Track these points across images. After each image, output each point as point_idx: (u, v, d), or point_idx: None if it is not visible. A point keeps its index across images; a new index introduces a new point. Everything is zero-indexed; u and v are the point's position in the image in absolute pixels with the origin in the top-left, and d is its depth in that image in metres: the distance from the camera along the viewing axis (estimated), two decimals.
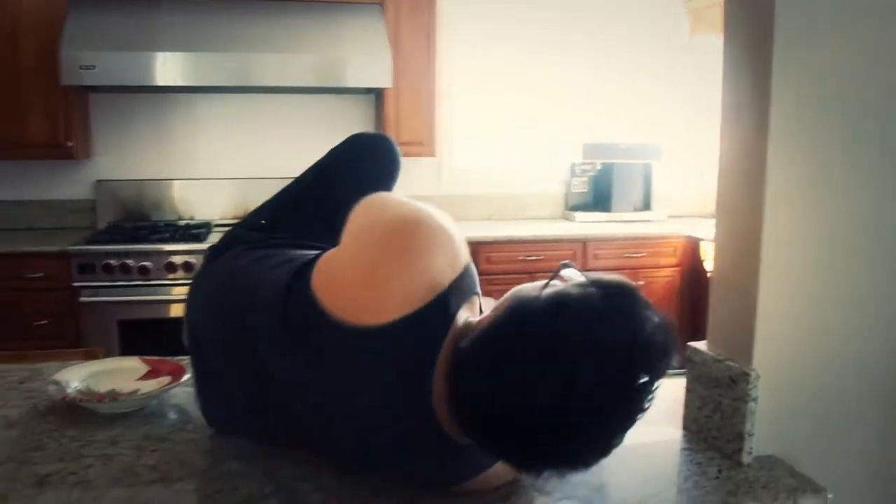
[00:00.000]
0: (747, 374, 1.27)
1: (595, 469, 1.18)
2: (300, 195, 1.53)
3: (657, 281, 4.34)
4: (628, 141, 4.70)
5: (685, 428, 1.43)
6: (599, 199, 4.82)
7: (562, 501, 1.17)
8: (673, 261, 4.37)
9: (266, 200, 1.56)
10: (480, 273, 4.07)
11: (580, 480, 1.22)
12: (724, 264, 1.39)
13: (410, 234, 1.06)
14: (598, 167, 4.80)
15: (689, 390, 1.42)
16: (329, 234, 1.25)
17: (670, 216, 4.80)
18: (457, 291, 1.05)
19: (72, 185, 4.34)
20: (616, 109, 4.87)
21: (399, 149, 1.58)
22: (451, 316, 1.03)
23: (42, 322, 3.68)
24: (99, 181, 4.30)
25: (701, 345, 1.41)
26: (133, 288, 3.68)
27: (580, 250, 4.23)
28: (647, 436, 1.39)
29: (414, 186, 4.67)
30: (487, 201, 4.81)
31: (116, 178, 4.32)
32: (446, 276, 1.04)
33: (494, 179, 4.81)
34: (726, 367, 1.32)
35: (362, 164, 1.55)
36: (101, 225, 4.25)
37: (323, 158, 1.55)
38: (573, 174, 4.83)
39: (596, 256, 4.24)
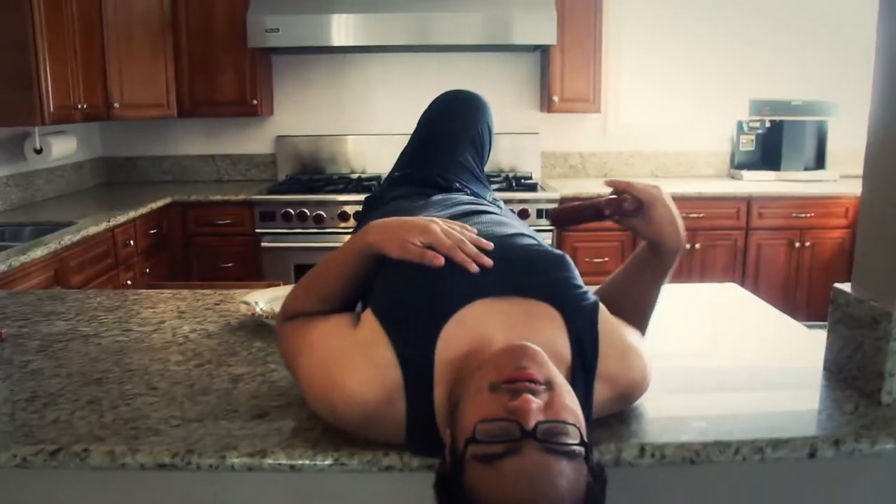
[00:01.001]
0: (889, 314, 1.29)
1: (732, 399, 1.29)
2: (412, 146, 1.90)
3: (825, 242, 4.18)
4: (800, 97, 4.50)
5: (826, 370, 1.46)
6: (768, 157, 4.66)
7: (694, 422, 1.25)
8: (843, 222, 4.18)
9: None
10: None
11: (717, 407, 1.30)
12: (871, 207, 1.39)
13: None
14: (767, 124, 4.64)
15: (831, 331, 1.44)
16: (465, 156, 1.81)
17: (843, 176, 4.57)
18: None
19: (255, 140, 4.71)
20: (787, 64, 4.67)
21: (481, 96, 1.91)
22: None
23: (228, 265, 4.07)
24: (279, 137, 4.64)
25: (845, 286, 1.43)
26: (309, 235, 3.99)
27: (744, 209, 4.13)
28: (787, 376, 1.44)
29: (579, 142, 4.75)
30: (651, 158, 4.77)
31: (295, 133, 4.65)
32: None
33: (659, 136, 4.76)
34: (869, 307, 1.33)
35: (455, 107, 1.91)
36: (281, 177, 4.61)
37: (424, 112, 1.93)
38: (740, 131, 4.69)
39: (761, 216, 4.13)
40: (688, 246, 4.12)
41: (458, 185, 1.75)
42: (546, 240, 3.91)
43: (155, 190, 4.29)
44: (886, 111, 1.34)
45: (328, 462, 1.14)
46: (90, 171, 4.56)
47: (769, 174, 4.55)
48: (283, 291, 1.88)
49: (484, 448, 0.91)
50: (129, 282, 3.51)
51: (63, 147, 3.91)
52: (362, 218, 1.77)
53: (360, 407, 1.10)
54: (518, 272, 1.19)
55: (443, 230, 1.19)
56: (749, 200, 4.14)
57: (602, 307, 1.20)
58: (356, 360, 1.11)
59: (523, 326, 1.13)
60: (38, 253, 2.77)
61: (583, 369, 1.14)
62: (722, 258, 4.18)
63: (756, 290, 3.61)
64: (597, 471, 0.95)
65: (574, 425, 0.93)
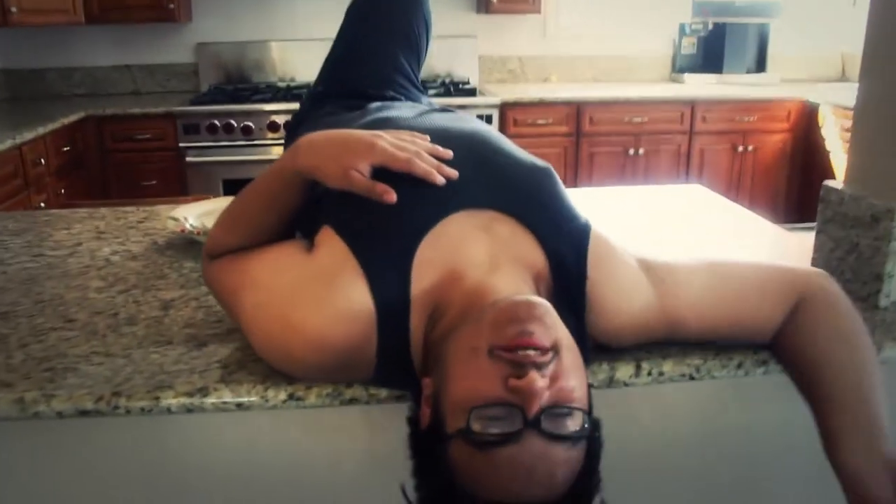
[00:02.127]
0: (892, 212, 1.18)
1: None
2: (337, 52, 1.64)
3: (766, 146, 4.12)
4: None
5: None
6: (710, 60, 4.55)
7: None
8: (785, 126, 4.12)
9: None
10: (583, 134, 3.94)
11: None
12: (870, 100, 1.27)
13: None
14: (710, 27, 4.51)
15: (820, 232, 1.34)
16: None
17: (785, 80, 4.51)
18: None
19: (174, 48, 4.35)
20: None
21: None
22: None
23: (151, 182, 3.78)
24: (200, 44, 4.30)
25: (836, 184, 1.32)
26: (237, 148, 3.73)
27: (688, 113, 4.03)
28: None
29: (518, 46, 4.55)
30: (592, 62, 4.61)
31: (217, 40, 4.31)
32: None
33: (600, 39, 4.58)
34: (868, 204, 1.22)
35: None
36: (204, 88, 4.29)
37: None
38: (682, 34, 4.55)
39: (704, 119, 4.04)
40: (631, 151, 4.02)
41: (391, 94, 1.54)
42: None
43: (66, 104, 3.92)
44: (884, 7, 1.22)
45: (282, 397, 0.98)
46: None
47: (711, 77, 4.45)
48: (214, 205, 1.68)
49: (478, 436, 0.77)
50: (42, 204, 3.22)
51: None
52: (285, 145, 1.56)
53: (325, 353, 0.93)
54: (497, 182, 1.02)
55: (392, 144, 0.98)
56: (693, 104, 4.04)
57: (595, 231, 1.03)
58: (319, 295, 0.94)
59: (501, 250, 0.98)
60: None
61: (571, 309, 0.98)
62: (666, 162, 4.09)
63: None
64: (594, 445, 0.83)
65: (579, 409, 0.80)
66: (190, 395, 0.98)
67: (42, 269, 1.43)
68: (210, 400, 0.98)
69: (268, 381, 0.99)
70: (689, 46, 4.59)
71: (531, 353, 0.79)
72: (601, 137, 4.02)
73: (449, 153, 1.02)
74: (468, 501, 0.79)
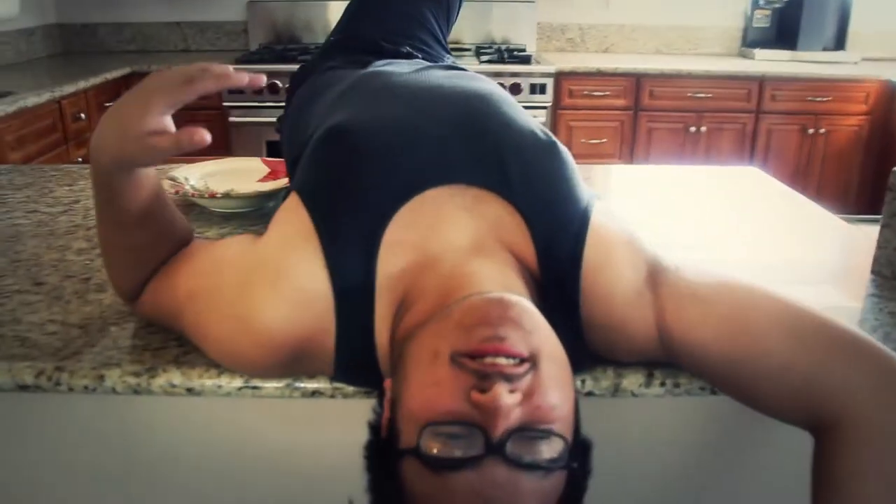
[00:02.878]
0: None
1: None
2: (353, 5, 1.52)
3: (841, 130, 3.85)
4: None
5: (875, 272, 1.19)
6: (784, 35, 4.27)
7: None
8: (862, 108, 3.84)
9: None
10: (641, 108, 3.73)
11: None
12: None
13: None
14: None
15: (885, 225, 1.17)
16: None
17: (866, 59, 4.21)
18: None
19: (225, 6, 4.28)
20: None
21: None
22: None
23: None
24: (251, 2, 4.22)
25: None
26: (282, 109, 3.64)
27: (755, 90, 3.78)
28: (830, 282, 1.18)
29: (579, 14, 4.35)
30: (656, 33, 4.37)
31: None
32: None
33: (665, 9, 4.35)
34: None
35: None
36: (254, 47, 4.21)
37: None
38: (755, 5, 4.28)
39: (773, 98, 3.79)
40: (692, 128, 3.80)
41: (407, 50, 1.38)
42: (539, 116, 3.62)
43: (116, 60, 3.89)
44: None
45: (236, 385, 0.87)
46: (42, 40, 4.15)
47: (784, 53, 4.17)
48: (221, 166, 1.58)
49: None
50: (79, 159, 3.18)
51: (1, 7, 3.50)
52: (288, 100, 1.44)
53: (278, 350, 0.81)
54: (488, 154, 0.87)
55: (163, 75, 0.77)
56: (762, 81, 3.78)
57: (597, 220, 0.86)
58: (269, 285, 0.80)
59: (487, 233, 0.84)
60: None
61: (562, 311, 0.82)
62: (729, 142, 3.86)
63: None
64: (577, 475, 0.69)
65: (557, 434, 0.66)
66: (137, 374, 0.87)
67: (30, 226, 1.35)
68: (158, 381, 0.87)
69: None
70: (761, 19, 4.31)
71: (501, 361, 0.65)
72: (661, 113, 3.80)
73: (257, 79, 0.81)
74: None
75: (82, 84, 3.22)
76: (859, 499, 0.70)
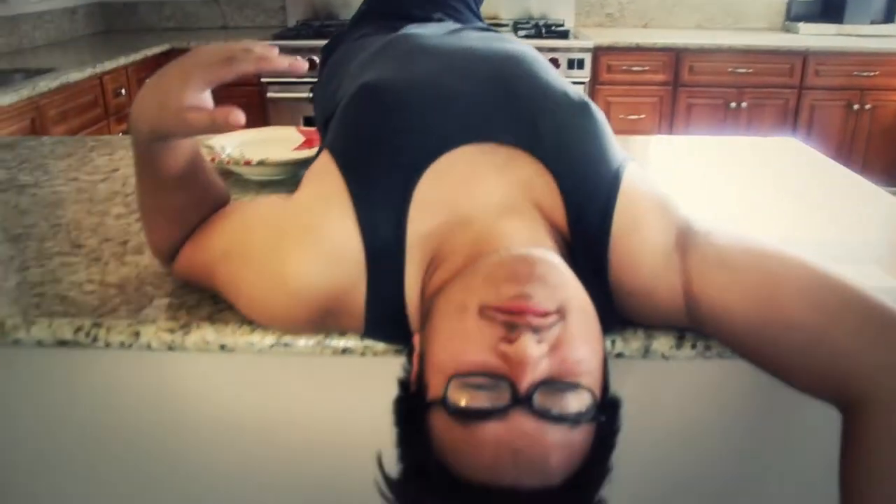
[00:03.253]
0: None
1: None
2: None
3: (887, 105, 3.75)
4: None
5: None
6: (829, 8, 4.16)
7: None
8: None
9: None
10: (681, 84, 3.66)
11: None
12: None
13: None
14: None
15: None
16: None
17: None
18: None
19: None
20: None
21: None
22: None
23: None
24: None
25: None
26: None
27: (799, 65, 3.70)
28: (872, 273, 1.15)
29: None
30: (697, 7, 4.29)
31: None
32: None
33: None
34: None
35: None
36: (291, 23, 4.23)
37: None
38: None
39: (817, 73, 3.71)
40: (733, 104, 3.74)
41: (440, 16, 1.37)
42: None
43: (157, 37, 3.94)
44: None
45: (268, 342, 0.88)
46: (84, 18, 4.20)
47: (830, 27, 4.07)
48: (257, 134, 1.61)
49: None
50: (120, 133, 3.24)
51: None
52: (320, 69, 1.43)
53: (310, 305, 0.82)
54: (521, 113, 0.86)
55: (204, 51, 0.78)
56: (805, 56, 3.70)
57: (629, 182, 0.85)
58: (302, 242, 0.81)
59: (519, 193, 0.84)
60: (8, 99, 2.49)
61: (592, 272, 0.81)
62: (771, 118, 3.79)
63: None
64: (606, 429, 0.69)
65: (584, 387, 0.66)
66: (172, 330, 0.89)
67: (71, 193, 1.38)
68: (192, 338, 0.88)
69: (257, 322, 0.89)
70: None
71: (529, 317, 0.65)
72: (701, 88, 3.74)
73: (297, 64, 0.78)
74: (448, 481, 0.67)
75: (122, 60, 3.27)
76: (875, 479, 0.69)
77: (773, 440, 1.04)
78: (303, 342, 0.88)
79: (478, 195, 0.82)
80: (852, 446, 0.72)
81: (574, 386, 0.65)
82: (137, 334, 0.89)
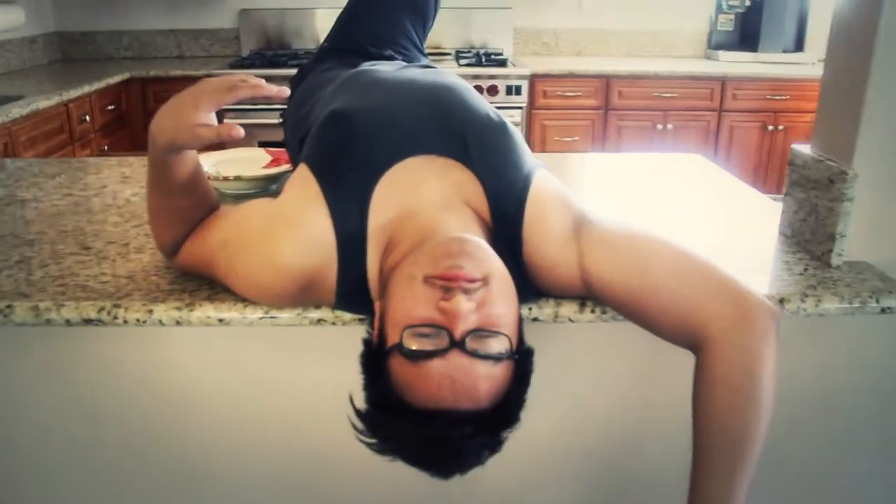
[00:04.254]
0: (845, 173, 1.25)
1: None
2: (346, 11, 1.76)
3: (798, 126, 4.11)
4: None
5: (781, 234, 1.43)
6: (746, 38, 4.54)
7: None
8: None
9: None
10: (611, 108, 3.95)
11: None
12: (836, 66, 1.33)
13: None
14: (748, 3, 4.50)
15: (787, 195, 1.41)
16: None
17: (822, 60, 4.46)
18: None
19: (218, 14, 4.51)
20: None
21: None
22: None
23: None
24: (243, 10, 4.44)
25: (804, 147, 1.39)
26: (274, 111, 3.86)
27: (718, 90, 4.05)
28: (741, 241, 1.41)
29: (553, 19, 4.60)
30: (628, 37, 4.63)
31: (259, 6, 4.45)
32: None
33: (636, 15, 4.61)
34: (826, 166, 1.29)
35: None
36: (245, 53, 4.44)
37: None
38: (719, 10, 4.55)
39: (735, 97, 4.05)
40: (659, 126, 4.06)
41: (389, 53, 1.63)
42: (514, 116, 3.85)
43: (114, 66, 4.12)
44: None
45: (257, 315, 1.10)
46: (44, 47, 4.36)
47: (746, 55, 4.43)
48: (231, 154, 1.82)
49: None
50: (102, 151, 3.41)
51: (8, 18, 3.71)
52: (289, 99, 1.67)
53: (294, 280, 1.04)
54: (454, 132, 1.10)
55: (211, 82, 1.02)
56: (723, 81, 4.05)
57: (537, 184, 1.09)
58: (287, 230, 1.04)
59: (453, 193, 1.07)
60: None
61: (509, 252, 1.05)
62: (694, 139, 4.12)
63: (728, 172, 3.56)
64: (522, 366, 0.93)
65: (504, 334, 0.89)
66: (178, 308, 1.10)
67: (69, 206, 1.58)
68: (196, 314, 1.10)
69: (247, 301, 1.11)
70: (725, 23, 4.58)
71: (461, 282, 0.89)
72: (630, 112, 4.06)
73: (282, 91, 1.03)
74: (404, 409, 0.90)
75: (87, 88, 3.45)
76: (712, 401, 0.95)
77: (659, 388, 1.30)
78: (285, 315, 1.10)
79: (422, 195, 1.06)
80: (698, 378, 0.97)
81: (495, 333, 0.89)
82: (151, 312, 1.10)
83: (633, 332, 1.07)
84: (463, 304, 0.88)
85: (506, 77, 3.88)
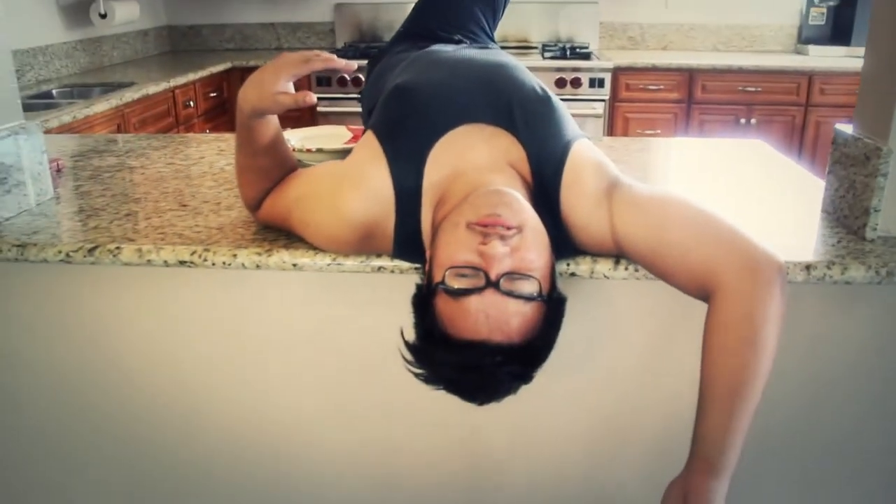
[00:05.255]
0: (880, 150, 1.31)
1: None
2: (419, 3, 1.95)
3: None
4: None
5: (823, 211, 1.49)
6: (838, 32, 4.47)
7: None
8: None
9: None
10: (694, 102, 3.98)
11: None
12: (876, 49, 1.38)
13: None
14: None
15: (829, 173, 1.47)
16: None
17: None
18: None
19: (315, 8, 4.75)
20: None
21: None
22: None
23: (285, 129, 4.18)
24: (338, 4, 4.66)
25: (846, 127, 1.45)
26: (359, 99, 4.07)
27: (805, 84, 4.01)
28: (786, 218, 1.48)
29: (640, 13, 4.64)
30: (713, 31, 4.64)
31: (354, 2, 4.66)
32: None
33: (723, 9, 4.60)
34: (863, 143, 1.36)
35: None
36: (339, 45, 4.66)
37: None
38: (811, 3, 4.50)
39: (822, 91, 4.01)
40: (742, 120, 4.06)
41: (459, 37, 1.77)
42: (597, 108, 3.92)
43: (217, 57, 4.40)
44: None
45: (326, 262, 1.26)
46: (154, 39, 4.69)
47: (838, 49, 4.37)
48: (317, 131, 1.98)
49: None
50: (207, 130, 3.67)
51: (126, 12, 4.03)
52: (366, 79, 1.83)
53: (357, 228, 1.19)
54: (503, 104, 1.23)
55: (289, 56, 1.17)
56: (811, 75, 4.01)
57: (576, 150, 1.20)
58: (351, 185, 1.19)
59: (499, 156, 1.20)
60: (101, 108, 2.94)
61: (548, 212, 1.16)
62: (778, 133, 4.10)
63: (813, 168, 3.55)
64: (553, 311, 1.05)
65: (535, 277, 1.01)
66: (259, 254, 1.27)
67: (171, 172, 1.78)
68: (273, 259, 1.26)
69: (318, 249, 1.27)
70: (817, 17, 4.52)
71: (498, 228, 1.02)
72: (713, 105, 4.08)
73: (349, 65, 1.18)
74: (446, 340, 1.03)
75: (191, 76, 3.71)
76: (715, 345, 1.05)
77: (683, 338, 1.37)
78: (350, 262, 1.25)
79: (471, 157, 1.19)
80: (706, 325, 1.07)
81: (527, 276, 1.02)
82: (235, 255, 1.27)
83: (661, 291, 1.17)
84: (498, 248, 1.00)
85: (589, 70, 3.96)
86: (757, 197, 1.62)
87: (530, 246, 1.04)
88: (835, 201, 1.46)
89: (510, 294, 1.00)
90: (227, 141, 2.10)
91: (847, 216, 1.41)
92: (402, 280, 1.21)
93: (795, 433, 1.50)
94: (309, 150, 1.77)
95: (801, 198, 1.62)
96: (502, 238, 1.02)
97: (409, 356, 1.08)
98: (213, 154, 1.95)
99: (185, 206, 1.52)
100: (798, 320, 1.38)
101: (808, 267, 1.25)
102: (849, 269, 1.25)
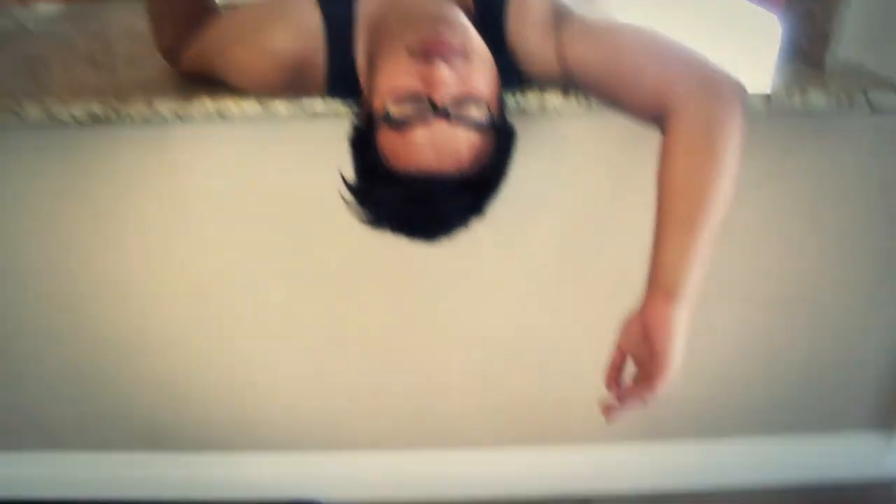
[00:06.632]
0: None
1: None
2: None
3: None
4: None
5: (780, 44, 1.43)
6: None
7: None
8: None
9: None
10: None
11: None
12: None
13: None
14: None
15: (787, 6, 1.40)
16: None
17: None
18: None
19: None
20: None
21: None
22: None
23: None
24: None
25: None
26: None
27: None
28: (743, 53, 1.41)
29: None
30: None
31: None
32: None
33: None
34: None
35: None
36: None
37: None
38: None
39: None
40: None
41: None
42: None
43: None
44: None
45: (258, 110, 1.16)
46: None
47: None
48: None
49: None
50: None
51: None
52: None
53: (282, 65, 1.09)
54: None
55: None
56: None
57: None
58: (276, 19, 1.09)
59: None
60: None
61: (493, 38, 1.06)
62: None
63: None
64: (503, 139, 0.98)
65: (484, 101, 0.94)
66: (180, 101, 1.16)
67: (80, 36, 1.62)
68: (195, 109, 1.15)
69: (245, 96, 1.16)
70: None
71: (441, 47, 0.93)
72: None
73: None
74: (390, 175, 0.96)
75: None
76: (673, 164, 0.95)
77: (635, 178, 1.32)
78: (283, 109, 1.15)
79: None
80: (662, 147, 0.98)
81: (476, 100, 0.94)
82: (152, 106, 1.16)
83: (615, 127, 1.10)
84: (444, 71, 0.92)
85: None
86: (713, 34, 1.55)
87: (478, 72, 0.95)
88: (792, 35, 1.39)
89: (458, 119, 0.92)
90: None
91: (805, 49, 1.34)
92: (341, 126, 1.13)
93: (754, 272, 1.49)
94: None
95: (757, 34, 1.55)
96: (447, 61, 0.93)
97: (349, 198, 1.00)
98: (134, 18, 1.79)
99: (97, 65, 1.38)
100: (756, 156, 1.34)
101: (768, 97, 1.19)
102: (809, 96, 1.20)
